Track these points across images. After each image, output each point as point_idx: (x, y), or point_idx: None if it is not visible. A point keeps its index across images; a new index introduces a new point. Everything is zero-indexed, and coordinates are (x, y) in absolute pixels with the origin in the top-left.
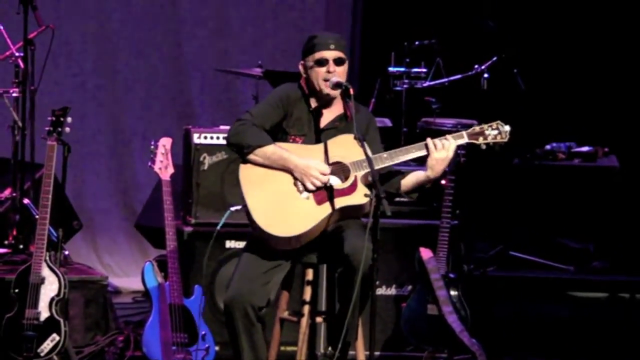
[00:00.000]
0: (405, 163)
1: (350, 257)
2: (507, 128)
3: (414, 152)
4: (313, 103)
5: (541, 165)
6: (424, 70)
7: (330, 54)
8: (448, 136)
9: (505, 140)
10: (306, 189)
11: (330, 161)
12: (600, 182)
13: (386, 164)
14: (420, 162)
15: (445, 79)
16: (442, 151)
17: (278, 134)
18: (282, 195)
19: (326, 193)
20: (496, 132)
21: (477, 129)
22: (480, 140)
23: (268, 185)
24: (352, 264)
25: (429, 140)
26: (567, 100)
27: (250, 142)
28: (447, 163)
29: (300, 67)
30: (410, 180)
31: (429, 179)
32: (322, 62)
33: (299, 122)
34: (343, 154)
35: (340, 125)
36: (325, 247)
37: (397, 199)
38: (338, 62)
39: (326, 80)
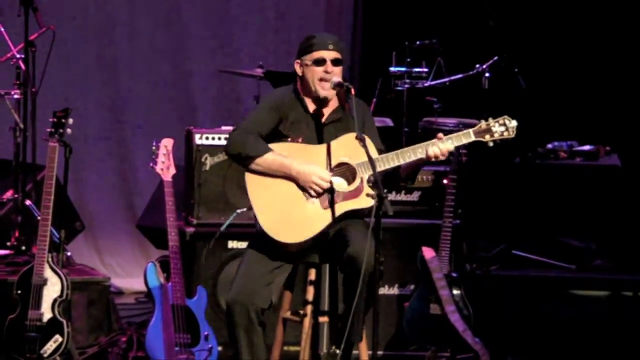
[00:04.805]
0: None
1: (355, 259)
2: (515, 123)
3: (421, 151)
4: (309, 103)
5: (543, 164)
6: (425, 70)
7: (329, 54)
8: (453, 136)
9: (512, 136)
10: (311, 195)
11: (336, 162)
12: (602, 180)
13: (393, 164)
14: None
15: (447, 79)
16: (448, 142)
17: (276, 138)
18: (289, 200)
19: (331, 197)
20: (503, 129)
21: (483, 126)
22: (487, 137)
23: (275, 190)
24: (357, 266)
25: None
26: (569, 99)
27: (248, 153)
28: (445, 155)
29: (296, 66)
30: (404, 167)
31: (421, 160)
32: (320, 62)
33: (296, 125)
34: (349, 154)
35: (338, 117)
36: (327, 247)
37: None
38: (335, 62)
39: (322, 80)
